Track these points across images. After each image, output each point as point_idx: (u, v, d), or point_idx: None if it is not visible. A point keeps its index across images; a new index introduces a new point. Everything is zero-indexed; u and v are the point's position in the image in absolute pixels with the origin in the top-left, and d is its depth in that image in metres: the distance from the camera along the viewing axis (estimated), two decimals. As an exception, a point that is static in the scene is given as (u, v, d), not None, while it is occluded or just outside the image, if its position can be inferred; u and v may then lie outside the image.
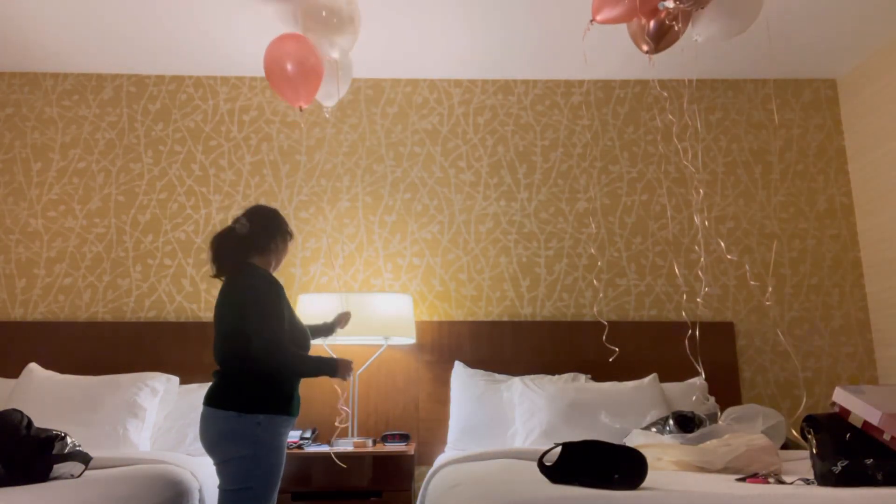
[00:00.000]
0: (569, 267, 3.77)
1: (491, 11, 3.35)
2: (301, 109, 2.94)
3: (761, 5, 2.59)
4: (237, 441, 2.16)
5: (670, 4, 2.45)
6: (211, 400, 2.21)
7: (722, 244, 3.79)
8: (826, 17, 3.44)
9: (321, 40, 2.84)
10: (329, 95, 3.11)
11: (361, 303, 3.24)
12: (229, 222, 3.74)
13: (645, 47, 2.69)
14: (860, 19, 3.46)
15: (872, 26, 3.52)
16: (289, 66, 2.80)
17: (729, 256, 3.77)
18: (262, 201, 3.79)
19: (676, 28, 2.59)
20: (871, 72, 3.78)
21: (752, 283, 3.75)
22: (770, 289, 3.75)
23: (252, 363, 2.18)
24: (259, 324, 2.17)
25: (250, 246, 2.39)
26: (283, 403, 2.26)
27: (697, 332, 3.58)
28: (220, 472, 2.20)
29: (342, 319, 2.84)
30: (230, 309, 2.24)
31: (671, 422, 2.82)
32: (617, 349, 3.55)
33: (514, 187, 3.87)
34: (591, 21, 2.64)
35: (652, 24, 2.63)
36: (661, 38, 2.65)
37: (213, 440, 2.18)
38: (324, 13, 2.80)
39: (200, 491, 2.68)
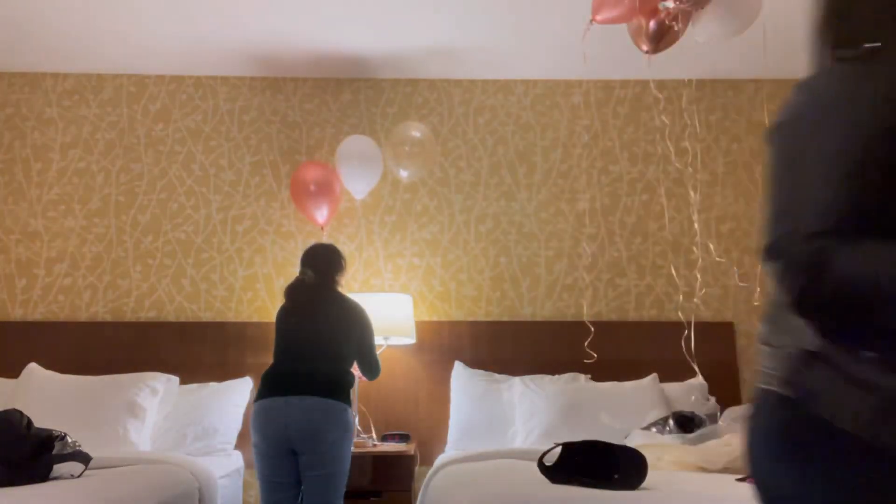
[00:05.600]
0: (569, 267, 3.77)
1: (490, 11, 3.35)
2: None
3: (761, 5, 2.59)
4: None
5: (670, 4, 2.45)
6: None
7: (711, 246, 3.77)
8: (826, 18, 3.44)
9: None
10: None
11: (361, 303, 3.24)
12: (229, 222, 3.75)
13: (645, 47, 2.69)
14: (860, 19, 3.45)
15: (872, 26, 3.51)
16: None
17: (718, 259, 3.75)
18: (263, 202, 3.79)
19: (676, 28, 2.60)
20: (870, 72, 3.77)
21: (740, 283, 3.73)
22: (758, 289, 3.74)
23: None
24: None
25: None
26: None
27: (693, 333, 3.57)
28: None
29: None
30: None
31: (671, 422, 2.82)
32: (595, 355, 3.49)
33: (514, 187, 3.87)
34: (591, 21, 2.64)
35: (652, 24, 2.63)
36: (661, 39, 2.66)
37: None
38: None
39: (200, 491, 2.69)
